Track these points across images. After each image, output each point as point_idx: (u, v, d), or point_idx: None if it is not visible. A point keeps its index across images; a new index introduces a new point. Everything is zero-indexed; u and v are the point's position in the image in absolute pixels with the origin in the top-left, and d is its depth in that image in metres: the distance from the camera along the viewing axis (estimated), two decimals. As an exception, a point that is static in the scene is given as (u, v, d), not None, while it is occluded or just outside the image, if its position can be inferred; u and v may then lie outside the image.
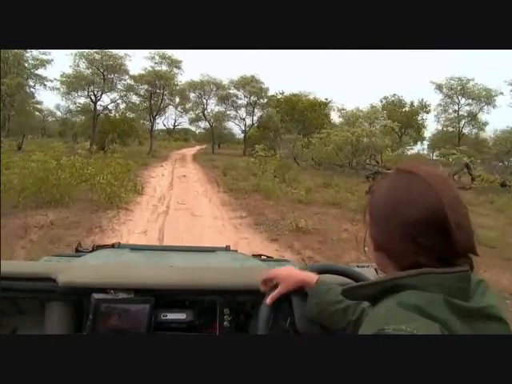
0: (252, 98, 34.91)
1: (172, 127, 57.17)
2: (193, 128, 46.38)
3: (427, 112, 40.19)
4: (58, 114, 32.81)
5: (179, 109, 33.99)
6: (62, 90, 24.75)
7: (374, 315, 0.68)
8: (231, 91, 35.23)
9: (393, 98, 42.92)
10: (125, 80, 26.96)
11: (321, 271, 1.07)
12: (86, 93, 25.46)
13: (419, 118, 41.29)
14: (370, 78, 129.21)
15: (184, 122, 46.79)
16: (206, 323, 1.25)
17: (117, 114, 29.00)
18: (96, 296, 1.13)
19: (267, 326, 0.97)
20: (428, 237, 0.65)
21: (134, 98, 28.73)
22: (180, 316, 1.23)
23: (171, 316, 1.22)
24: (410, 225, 0.66)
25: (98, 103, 26.25)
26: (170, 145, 46.00)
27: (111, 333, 1.13)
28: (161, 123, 43.04)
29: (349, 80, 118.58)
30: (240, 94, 35.24)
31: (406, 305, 0.62)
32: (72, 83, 24.31)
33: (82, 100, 26.53)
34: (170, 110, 34.96)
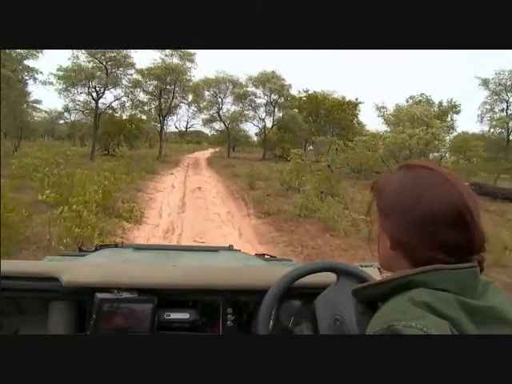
0: (273, 96, 31.37)
1: (184, 129, 55.72)
2: (206, 130, 43.27)
3: (457, 113, 36.66)
4: (67, 115, 29.71)
5: (193, 107, 29.96)
6: (58, 85, 21.52)
7: (383, 311, 0.66)
8: (249, 89, 31.78)
9: (420, 98, 39.54)
10: (131, 75, 23.66)
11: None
12: (87, 89, 22.13)
13: (448, 118, 38.13)
14: (392, 77, 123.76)
15: (196, 124, 43.82)
16: (209, 323, 1.23)
17: (123, 114, 26.00)
18: (99, 295, 1.11)
19: (267, 324, 0.99)
20: (448, 232, 0.64)
21: (142, 96, 25.48)
22: (183, 315, 1.21)
23: (174, 315, 1.21)
24: (429, 219, 0.64)
25: (101, 101, 22.95)
26: (181, 148, 43.80)
27: (114, 332, 1.12)
28: (172, 125, 40.11)
29: (370, 79, 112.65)
30: (259, 92, 31.76)
31: (416, 302, 0.61)
32: (70, 77, 21.05)
33: (83, 97, 23.23)
34: (182, 111, 31.70)
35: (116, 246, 1.99)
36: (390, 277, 0.69)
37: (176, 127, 42.78)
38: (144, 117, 26.07)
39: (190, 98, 27.35)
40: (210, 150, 44.98)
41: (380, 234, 0.73)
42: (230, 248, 2.11)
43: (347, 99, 31.79)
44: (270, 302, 1.01)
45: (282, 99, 31.66)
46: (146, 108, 25.80)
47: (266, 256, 2.09)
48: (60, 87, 21.68)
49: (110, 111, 24.71)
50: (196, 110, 29.76)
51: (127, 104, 24.60)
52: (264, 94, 31.41)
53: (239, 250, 2.13)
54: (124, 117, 26.01)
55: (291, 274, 1.05)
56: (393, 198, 0.70)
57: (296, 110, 31.15)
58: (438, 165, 0.78)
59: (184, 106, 29.34)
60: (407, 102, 40.12)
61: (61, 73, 21.09)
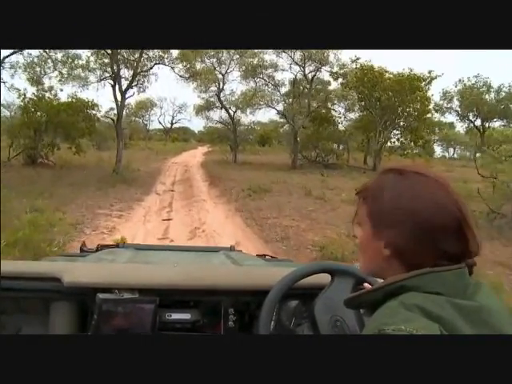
0: (308, 67, 19.74)
1: (169, 125, 46.28)
2: (198, 121, 32.15)
3: None
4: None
5: (177, 70, 16.08)
6: None
7: (376, 316, 0.66)
8: (267, 57, 20.14)
9: (474, 80, 28.90)
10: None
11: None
12: None
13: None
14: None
15: (183, 119, 32.71)
16: (210, 323, 1.23)
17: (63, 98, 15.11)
18: (101, 296, 1.10)
19: (268, 325, 1.01)
20: (449, 242, 0.64)
21: (85, 56, 13.79)
22: (184, 316, 1.22)
23: (176, 316, 1.21)
24: (429, 228, 0.64)
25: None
26: (165, 147, 34.08)
27: (116, 333, 1.11)
28: (156, 121, 28.94)
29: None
30: (282, 61, 20.20)
31: (407, 305, 0.61)
32: None
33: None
34: (161, 80, 19.55)
35: (117, 246, 1.98)
36: (382, 283, 0.69)
37: (160, 122, 32.43)
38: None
39: (175, 54, 15.06)
40: (201, 150, 35.53)
41: (370, 241, 0.71)
42: (232, 248, 2.11)
43: (418, 74, 20.37)
44: (272, 303, 1.03)
45: (322, 71, 20.05)
46: (92, 78, 14.07)
47: (266, 257, 2.09)
48: None
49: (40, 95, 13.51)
50: (186, 75, 16.65)
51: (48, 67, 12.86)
52: (293, 62, 19.75)
53: (240, 251, 2.15)
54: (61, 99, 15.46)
55: (292, 275, 1.07)
56: (391, 205, 0.68)
57: (341, 88, 19.72)
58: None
59: (163, 71, 17.28)
60: (455, 86, 29.87)
61: None
